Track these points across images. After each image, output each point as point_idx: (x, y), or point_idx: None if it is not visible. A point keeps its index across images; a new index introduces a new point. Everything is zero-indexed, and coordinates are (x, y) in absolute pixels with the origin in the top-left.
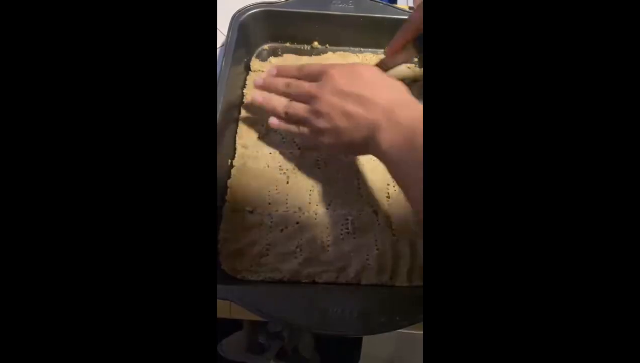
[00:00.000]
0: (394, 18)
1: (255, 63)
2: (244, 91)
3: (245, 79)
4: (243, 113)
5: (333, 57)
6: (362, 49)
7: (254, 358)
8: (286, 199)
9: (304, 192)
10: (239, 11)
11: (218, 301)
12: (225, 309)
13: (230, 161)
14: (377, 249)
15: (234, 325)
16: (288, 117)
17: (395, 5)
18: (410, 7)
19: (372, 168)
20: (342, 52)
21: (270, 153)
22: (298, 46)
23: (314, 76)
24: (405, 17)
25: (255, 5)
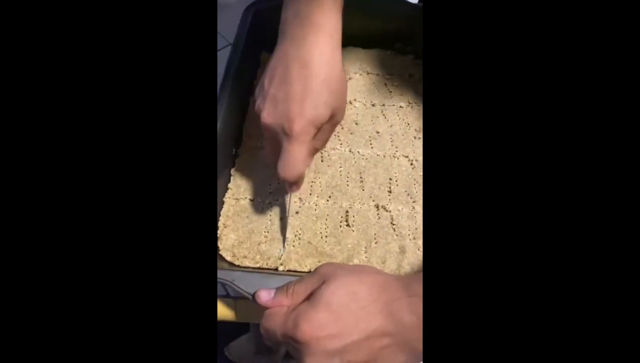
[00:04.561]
0: (404, 13)
1: (265, 56)
2: (254, 82)
3: (255, 71)
4: (251, 104)
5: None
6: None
7: (261, 360)
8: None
9: (306, 183)
10: (251, 4)
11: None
12: (230, 313)
13: (234, 149)
14: (376, 243)
15: (241, 328)
16: None
17: None
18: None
19: (375, 162)
20: (351, 47)
21: None
22: None
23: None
24: (414, 10)
25: None
